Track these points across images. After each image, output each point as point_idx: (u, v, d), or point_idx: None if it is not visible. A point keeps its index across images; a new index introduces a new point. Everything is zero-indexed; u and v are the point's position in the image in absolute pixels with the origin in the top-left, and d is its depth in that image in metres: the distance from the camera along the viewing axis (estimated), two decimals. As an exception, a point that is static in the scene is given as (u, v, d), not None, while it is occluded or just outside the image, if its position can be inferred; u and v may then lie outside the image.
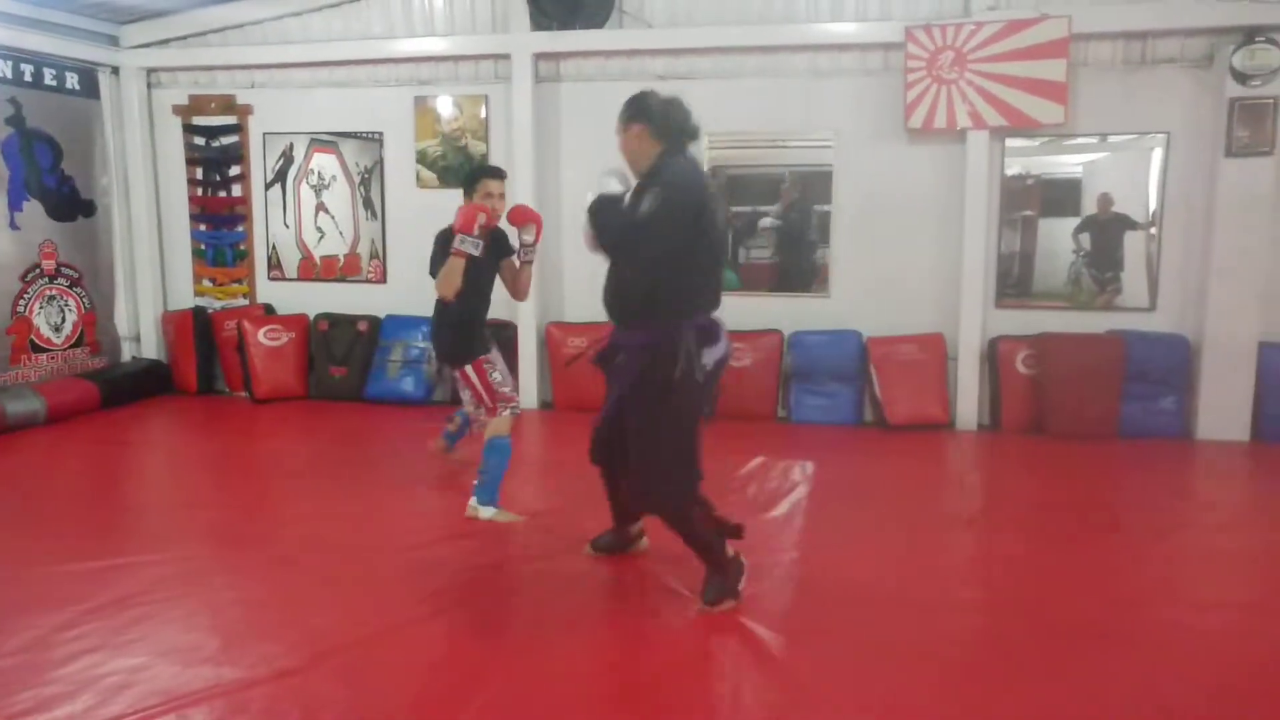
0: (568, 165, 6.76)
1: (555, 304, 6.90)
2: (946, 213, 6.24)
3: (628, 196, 3.20)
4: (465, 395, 4.52)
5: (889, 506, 4.59)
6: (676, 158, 3.20)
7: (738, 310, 6.58)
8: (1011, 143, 6.14)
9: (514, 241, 4.35)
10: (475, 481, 4.30)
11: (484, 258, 4.13)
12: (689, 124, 3.26)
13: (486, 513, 4.25)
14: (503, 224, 4.33)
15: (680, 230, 3.05)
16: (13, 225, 6.53)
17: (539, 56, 6.62)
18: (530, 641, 3.06)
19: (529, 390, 6.75)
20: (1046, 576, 3.69)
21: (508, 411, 4.30)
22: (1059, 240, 6.31)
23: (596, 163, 6.54)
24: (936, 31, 5.94)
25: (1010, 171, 6.20)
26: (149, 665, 2.88)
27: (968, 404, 6.22)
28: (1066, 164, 6.35)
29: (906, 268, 6.37)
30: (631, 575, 3.65)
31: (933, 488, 5.09)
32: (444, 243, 4.11)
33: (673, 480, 3.21)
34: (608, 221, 3.14)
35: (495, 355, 4.45)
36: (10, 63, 6.45)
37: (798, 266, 6.66)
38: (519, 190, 6.61)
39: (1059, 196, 6.33)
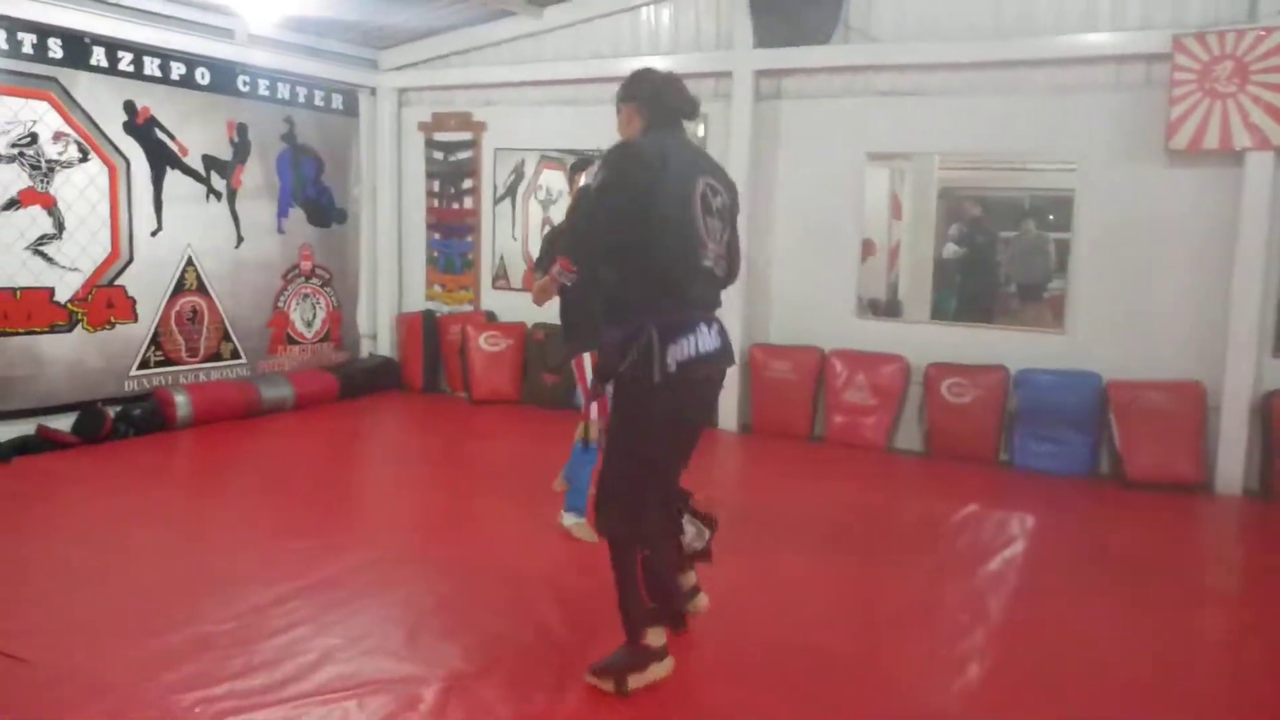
0: (782, 183, 6.60)
1: (760, 325, 6.74)
2: (1211, 244, 5.48)
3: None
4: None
5: (1121, 577, 4.02)
6: (646, 135, 2.81)
7: (954, 341, 6.26)
8: (1301, 166, 5.31)
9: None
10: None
11: None
12: (678, 100, 2.87)
13: (569, 519, 4.24)
14: None
15: (617, 209, 2.66)
16: (279, 230, 7.29)
17: (760, 74, 6.52)
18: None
19: (728, 413, 6.64)
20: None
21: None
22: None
23: (811, 182, 6.49)
24: (1212, 39, 5.25)
25: (1298, 199, 5.36)
26: (342, 648, 3.04)
27: (1231, 464, 5.41)
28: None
29: (1160, 305, 5.66)
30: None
31: (1179, 559, 4.43)
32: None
33: (615, 502, 2.75)
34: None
35: None
36: (288, 85, 7.23)
37: (980, 294, 6.11)
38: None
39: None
